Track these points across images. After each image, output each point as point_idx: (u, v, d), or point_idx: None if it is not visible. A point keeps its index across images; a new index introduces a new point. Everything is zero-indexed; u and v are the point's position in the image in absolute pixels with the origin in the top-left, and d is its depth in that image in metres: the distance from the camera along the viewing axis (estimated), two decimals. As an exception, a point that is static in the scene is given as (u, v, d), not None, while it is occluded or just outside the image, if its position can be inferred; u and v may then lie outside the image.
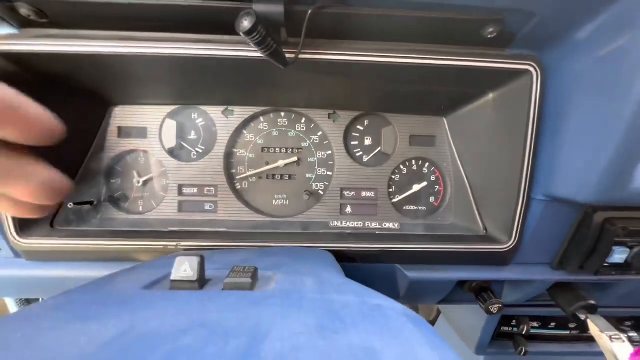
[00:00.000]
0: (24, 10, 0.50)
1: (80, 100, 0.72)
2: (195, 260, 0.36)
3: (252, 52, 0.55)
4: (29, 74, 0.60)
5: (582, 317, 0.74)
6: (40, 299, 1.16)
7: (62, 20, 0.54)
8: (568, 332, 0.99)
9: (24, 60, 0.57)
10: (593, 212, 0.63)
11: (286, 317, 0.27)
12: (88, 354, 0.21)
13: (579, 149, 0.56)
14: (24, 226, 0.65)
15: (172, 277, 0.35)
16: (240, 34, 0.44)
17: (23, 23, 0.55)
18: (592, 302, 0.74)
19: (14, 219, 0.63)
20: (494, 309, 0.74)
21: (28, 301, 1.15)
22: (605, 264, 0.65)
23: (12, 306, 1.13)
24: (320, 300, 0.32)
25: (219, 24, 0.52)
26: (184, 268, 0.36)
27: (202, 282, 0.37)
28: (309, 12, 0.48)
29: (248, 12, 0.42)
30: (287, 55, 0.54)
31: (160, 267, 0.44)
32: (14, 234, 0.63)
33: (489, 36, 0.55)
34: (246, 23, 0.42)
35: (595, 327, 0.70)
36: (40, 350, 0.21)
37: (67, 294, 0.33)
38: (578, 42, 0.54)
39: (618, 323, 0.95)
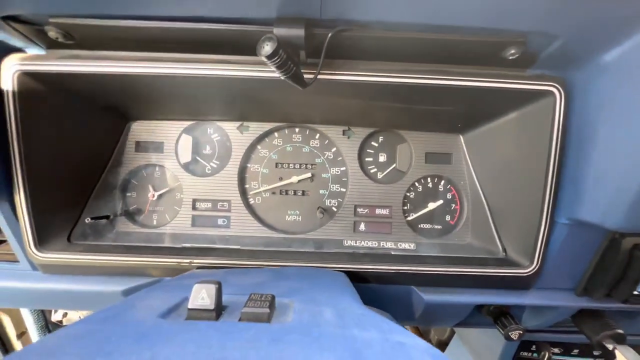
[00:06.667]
0: (52, 33, 0.52)
1: (100, 116, 0.74)
2: (212, 288, 0.35)
3: (271, 73, 0.55)
4: (53, 92, 0.62)
5: (610, 346, 0.70)
6: (52, 311, 1.18)
7: (87, 42, 0.56)
8: (592, 360, 0.94)
9: (50, 79, 0.59)
10: (621, 237, 0.60)
11: (308, 357, 0.26)
12: None
13: (607, 173, 0.53)
14: (42, 240, 0.65)
15: (190, 306, 0.35)
16: (262, 57, 0.44)
17: (50, 44, 0.56)
18: (620, 331, 0.70)
19: (32, 232, 0.64)
20: (515, 335, 0.71)
21: (42, 312, 1.16)
22: (636, 292, 0.62)
23: (26, 316, 1.15)
24: (342, 336, 0.30)
25: (239, 46, 0.53)
26: (202, 296, 0.35)
27: (219, 310, 0.36)
28: (329, 35, 0.48)
29: (269, 37, 0.43)
30: (306, 76, 0.54)
31: (177, 289, 0.43)
32: (32, 247, 0.64)
33: (510, 57, 0.54)
34: (267, 47, 0.42)
35: (624, 358, 0.66)
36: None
37: (86, 322, 0.32)
38: (605, 65, 0.52)
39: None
